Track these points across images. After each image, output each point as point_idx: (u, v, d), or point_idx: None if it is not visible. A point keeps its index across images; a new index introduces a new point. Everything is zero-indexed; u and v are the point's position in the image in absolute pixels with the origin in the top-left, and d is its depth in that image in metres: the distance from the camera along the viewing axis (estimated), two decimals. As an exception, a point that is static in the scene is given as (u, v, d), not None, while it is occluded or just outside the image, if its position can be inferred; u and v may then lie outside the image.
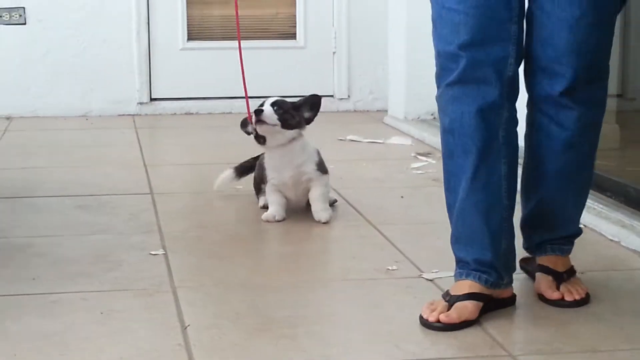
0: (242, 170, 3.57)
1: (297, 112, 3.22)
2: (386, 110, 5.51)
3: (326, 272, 2.78)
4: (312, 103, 3.24)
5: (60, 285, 2.56)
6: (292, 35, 5.82)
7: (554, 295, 2.38)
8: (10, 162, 4.24)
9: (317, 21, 5.80)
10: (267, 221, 3.21)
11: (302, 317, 2.33)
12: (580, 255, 2.60)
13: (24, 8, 5.50)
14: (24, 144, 4.70)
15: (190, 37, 5.74)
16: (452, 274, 2.62)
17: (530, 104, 2.35)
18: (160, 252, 2.87)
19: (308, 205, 3.27)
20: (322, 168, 3.25)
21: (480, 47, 2.20)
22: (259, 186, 3.41)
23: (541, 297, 2.41)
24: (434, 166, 4.13)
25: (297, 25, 5.80)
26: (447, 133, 2.31)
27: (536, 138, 2.35)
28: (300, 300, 2.47)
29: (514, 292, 2.40)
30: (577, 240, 2.51)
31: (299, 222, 3.23)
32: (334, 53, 5.81)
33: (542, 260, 2.45)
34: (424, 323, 2.25)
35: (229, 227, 3.20)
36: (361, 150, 4.51)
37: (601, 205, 3.15)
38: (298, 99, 3.31)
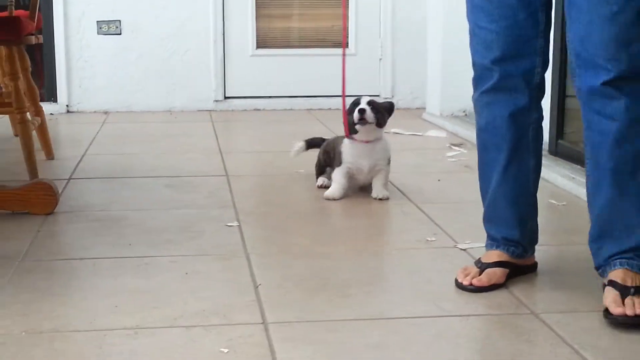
0: (311, 144, 3.59)
1: (385, 114, 3.21)
2: (424, 108, 5.49)
3: (376, 243, 2.76)
4: (390, 108, 3.24)
5: (151, 250, 2.57)
6: (346, 45, 5.80)
7: (617, 310, 1.99)
8: (108, 149, 4.27)
9: (366, 33, 5.77)
10: (327, 199, 3.20)
11: (355, 280, 2.32)
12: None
13: (120, 21, 5.53)
14: (119, 134, 4.73)
15: (259, 46, 5.74)
16: (482, 244, 2.60)
17: (581, 104, 2.10)
18: (235, 224, 2.87)
19: (367, 185, 3.28)
20: (389, 161, 3.27)
21: (511, 62, 2.17)
22: (322, 168, 3.41)
23: (606, 313, 2.02)
24: (466, 155, 4.11)
25: (349, 36, 5.78)
26: (483, 131, 2.29)
27: (590, 137, 2.09)
28: (354, 266, 2.46)
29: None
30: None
31: (352, 200, 3.22)
32: (380, 59, 5.79)
33: (611, 274, 2.09)
34: (459, 285, 2.24)
35: (292, 203, 3.19)
36: (403, 141, 4.49)
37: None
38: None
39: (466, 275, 2.25)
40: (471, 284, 2.23)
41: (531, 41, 2.17)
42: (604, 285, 2.09)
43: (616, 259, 2.08)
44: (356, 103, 3.18)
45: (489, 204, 2.33)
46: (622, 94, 2.00)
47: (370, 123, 3.14)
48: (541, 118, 2.27)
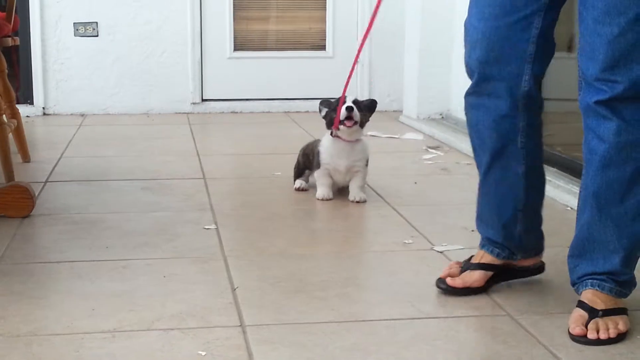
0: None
1: (367, 113, 3.23)
2: (401, 111, 5.50)
3: (353, 245, 2.77)
4: (371, 106, 3.25)
5: (128, 253, 2.57)
6: (323, 47, 5.81)
7: (576, 330, 1.96)
8: (84, 152, 4.25)
9: (344, 36, 5.79)
10: (322, 200, 3.23)
11: (332, 281, 2.33)
12: None
13: (96, 23, 5.51)
14: (96, 137, 4.71)
15: (236, 48, 5.74)
16: (460, 247, 2.65)
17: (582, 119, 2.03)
18: (213, 226, 2.87)
19: (345, 187, 3.29)
20: (367, 162, 3.28)
21: (493, 65, 2.06)
22: (301, 171, 3.42)
23: (569, 333, 1.98)
24: (442, 157, 4.13)
25: (327, 39, 5.79)
26: (470, 130, 2.21)
27: (584, 153, 2.02)
28: (331, 268, 2.47)
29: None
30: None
31: (330, 203, 3.23)
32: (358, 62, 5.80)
33: (582, 295, 2.05)
34: (437, 281, 2.25)
35: (270, 206, 3.19)
36: (380, 144, 4.50)
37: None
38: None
39: (447, 272, 2.26)
40: (444, 281, 2.23)
41: (520, 44, 2.04)
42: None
43: (588, 279, 2.04)
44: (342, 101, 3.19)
45: (477, 201, 2.29)
46: (615, 115, 1.93)
47: (355, 122, 3.16)
48: (535, 126, 2.14)
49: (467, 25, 2.13)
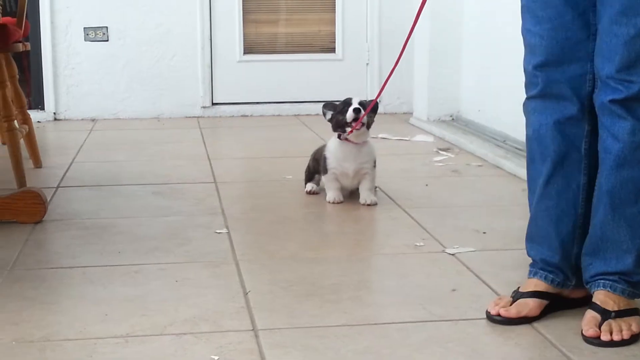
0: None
1: (372, 115, 3.23)
2: (411, 113, 5.50)
3: (364, 248, 2.77)
4: (374, 107, 3.22)
5: (141, 258, 2.57)
6: (332, 50, 5.81)
7: (589, 332, 1.94)
8: (95, 157, 4.27)
9: (353, 38, 5.79)
10: (333, 203, 3.23)
11: (344, 284, 2.33)
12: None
13: (107, 27, 5.53)
14: (106, 142, 4.73)
15: (246, 52, 5.75)
16: (471, 249, 2.65)
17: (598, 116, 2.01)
18: (224, 230, 2.88)
19: (355, 190, 3.29)
20: (375, 164, 3.27)
21: (556, 67, 2.00)
22: (312, 175, 3.42)
23: (582, 335, 1.97)
24: (453, 159, 4.13)
25: (336, 41, 5.80)
26: (530, 140, 2.12)
27: (599, 152, 2.00)
28: (343, 271, 2.47)
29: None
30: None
31: (340, 206, 3.23)
32: (367, 64, 5.80)
33: (594, 295, 2.03)
34: (487, 316, 2.08)
35: (281, 209, 3.19)
36: (391, 146, 4.50)
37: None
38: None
39: (496, 305, 2.09)
40: (498, 314, 2.06)
41: (581, 44, 1.99)
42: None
43: (600, 279, 2.03)
44: (347, 103, 3.19)
45: (530, 220, 2.17)
46: (630, 115, 1.92)
47: (362, 124, 3.16)
48: (596, 131, 2.03)
49: (524, 31, 2.07)
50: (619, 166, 1.96)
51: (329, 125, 3.27)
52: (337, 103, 3.25)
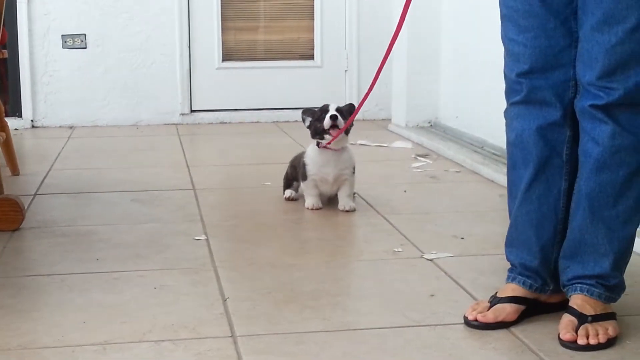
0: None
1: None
2: (390, 119, 5.52)
3: (343, 254, 2.78)
4: (351, 111, 3.24)
5: (120, 265, 2.57)
6: (311, 57, 5.82)
7: (566, 336, 1.96)
8: (74, 164, 4.25)
9: (331, 45, 5.81)
10: (312, 209, 3.24)
11: (323, 291, 2.34)
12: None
13: (85, 34, 5.52)
14: (85, 149, 4.71)
15: (225, 59, 5.75)
16: (449, 254, 2.66)
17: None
18: (203, 237, 2.88)
19: (334, 196, 3.30)
20: (354, 170, 3.28)
21: (540, 74, 2.02)
22: (290, 182, 3.42)
23: (559, 339, 1.99)
24: (431, 166, 4.14)
25: (315, 48, 5.81)
26: (512, 146, 2.12)
27: (577, 154, 2.03)
28: (322, 277, 2.48)
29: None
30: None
31: (319, 212, 3.24)
32: (346, 71, 5.82)
33: (571, 300, 2.05)
34: (465, 321, 2.10)
35: (259, 216, 3.20)
36: (369, 152, 4.52)
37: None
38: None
39: (474, 310, 2.10)
40: (476, 319, 2.08)
41: (564, 51, 2.00)
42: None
43: (577, 283, 2.04)
44: (325, 110, 3.20)
45: (510, 225, 2.18)
46: (610, 119, 1.94)
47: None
48: (577, 138, 2.05)
49: (505, 39, 2.09)
50: (598, 169, 1.97)
51: (307, 131, 3.28)
52: (316, 109, 3.26)
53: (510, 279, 2.16)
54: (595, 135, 1.96)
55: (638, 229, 2.08)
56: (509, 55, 2.08)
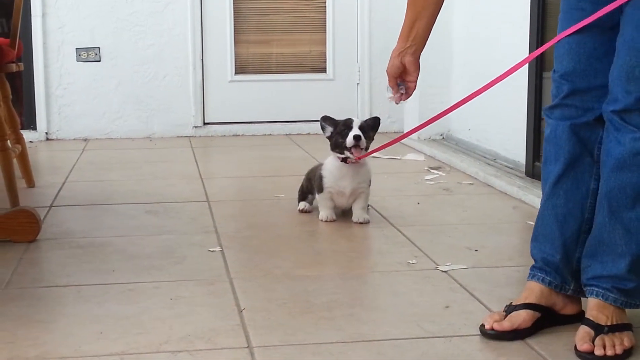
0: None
1: (371, 134, 3.22)
2: (402, 132, 5.52)
3: (357, 265, 2.78)
4: (375, 125, 3.23)
5: (135, 276, 2.58)
6: (323, 70, 5.84)
7: (583, 347, 1.95)
8: (88, 176, 4.27)
9: (343, 58, 5.82)
10: (326, 221, 3.23)
11: (338, 302, 2.34)
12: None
13: (99, 48, 5.55)
14: (99, 161, 4.73)
15: (238, 72, 5.77)
16: (464, 266, 2.66)
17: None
18: (218, 249, 2.88)
19: (347, 209, 3.30)
20: (370, 183, 3.27)
21: (581, 77, 2.05)
22: (305, 195, 3.42)
23: (575, 350, 1.98)
24: (444, 178, 4.14)
25: (327, 61, 5.83)
26: (546, 142, 2.14)
27: (601, 156, 2.04)
28: (336, 288, 2.48)
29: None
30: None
31: (333, 225, 3.24)
32: (357, 84, 5.83)
33: (587, 309, 2.04)
34: (481, 330, 2.09)
35: (274, 228, 3.20)
36: (382, 165, 4.52)
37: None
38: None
39: (491, 318, 2.10)
40: (492, 328, 2.07)
41: (605, 58, 2.02)
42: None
43: (594, 285, 2.04)
44: (348, 125, 3.16)
45: (537, 219, 2.19)
46: (630, 125, 1.94)
47: (362, 149, 3.15)
48: None
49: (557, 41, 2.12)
50: (619, 169, 1.97)
51: (321, 144, 3.28)
52: (337, 120, 3.23)
53: (531, 276, 2.17)
54: (618, 136, 1.97)
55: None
56: (557, 54, 2.10)
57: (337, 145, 3.19)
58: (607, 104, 1.99)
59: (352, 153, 3.15)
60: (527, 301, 2.12)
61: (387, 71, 2.40)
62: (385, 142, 2.86)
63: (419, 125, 2.40)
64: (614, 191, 1.98)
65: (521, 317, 2.09)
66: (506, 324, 2.07)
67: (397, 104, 2.63)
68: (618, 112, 1.96)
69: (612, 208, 1.99)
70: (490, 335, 2.07)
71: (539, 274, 2.15)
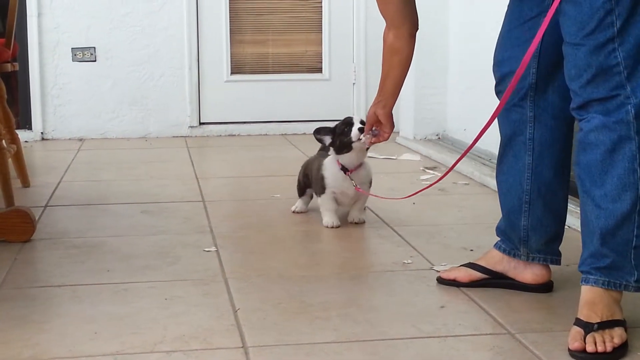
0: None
1: None
2: (398, 132, 5.51)
3: (353, 266, 2.77)
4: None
5: (130, 276, 2.57)
6: (319, 70, 5.83)
7: (574, 345, 1.97)
8: (83, 176, 4.26)
9: (339, 58, 5.82)
10: (331, 227, 3.15)
11: (333, 302, 2.34)
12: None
13: (94, 48, 5.54)
14: (94, 161, 4.72)
15: (233, 72, 5.76)
16: (458, 266, 2.64)
17: None
18: (213, 249, 2.87)
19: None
20: (371, 184, 3.25)
21: (507, 63, 2.27)
22: (303, 190, 3.38)
23: (568, 350, 1.99)
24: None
25: (323, 61, 5.82)
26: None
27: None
28: (331, 288, 2.47)
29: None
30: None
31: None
32: (353, 84, 5.82)
33: (579, 305, 2.06)
34: (437, 279, 2.50)
35: (269, 228, 3.20)
36: (378, 164, 4.50)
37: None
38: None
39: (450, 270, 2.51)
40: (440, 276, 2.50)
41: (526, 43, 2.19)
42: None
43: (582, 273, 2.07)
44: (349, 123, 3.10)
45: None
46: (588, 114, 2.02)
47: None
48: (543, 121, 2.28)
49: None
50: (582, 150, 2.04)
51: (316, 144, 3.26)
52: (331, 126, 3.18)
53: (494, 244, 2.45)
54: (580, 124, 2.08)
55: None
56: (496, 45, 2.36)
57: (343, 145, 3.12)
58: (569, 101, 2.10)
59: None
60: (478, 262, 2.45)
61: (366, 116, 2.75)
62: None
63: (459, 157, 2.58)
64: (582, 173, 2.05)
65: (462, 272, 2.45)
66: (451, 274, 2.46)
67: (367, 146, 2.98)
68: (576, 108, 2.06)
69: (584, 188, 2.05)
70: (437, 279, 2.49)
71: (498, 243, 2.43)
